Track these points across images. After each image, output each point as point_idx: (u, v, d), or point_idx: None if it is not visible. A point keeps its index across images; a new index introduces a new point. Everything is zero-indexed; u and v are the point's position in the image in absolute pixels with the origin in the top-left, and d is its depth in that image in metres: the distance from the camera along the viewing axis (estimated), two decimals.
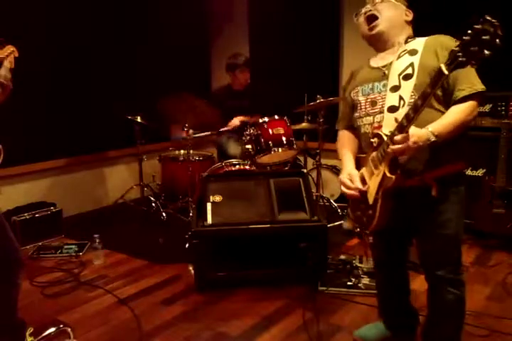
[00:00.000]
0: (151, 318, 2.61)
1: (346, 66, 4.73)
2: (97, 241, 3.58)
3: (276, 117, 3.73)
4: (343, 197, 4.59)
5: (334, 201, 4.25)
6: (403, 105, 1.76)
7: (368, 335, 2.35)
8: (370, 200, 1.83)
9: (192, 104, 3.54)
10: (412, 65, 1.76)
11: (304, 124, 3.98)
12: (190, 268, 3.11)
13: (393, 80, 1.81)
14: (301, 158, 4.29)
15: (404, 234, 2.07)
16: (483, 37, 1.40)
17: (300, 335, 2.43)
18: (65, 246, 3.58)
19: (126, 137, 4.41)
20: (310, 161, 4.29)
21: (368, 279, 2.93)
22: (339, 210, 4.05)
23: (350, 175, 1.93)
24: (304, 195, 3.07)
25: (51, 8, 4.00)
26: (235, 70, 4.16)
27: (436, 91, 1.61)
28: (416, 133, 1.63)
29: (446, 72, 1.51)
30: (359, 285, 2.89)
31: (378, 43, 1.92)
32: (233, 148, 4.11)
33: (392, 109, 1.78)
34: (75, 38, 4.19)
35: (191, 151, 3.95)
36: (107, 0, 4.41)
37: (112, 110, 4.34)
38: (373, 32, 1.88)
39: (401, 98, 1.77)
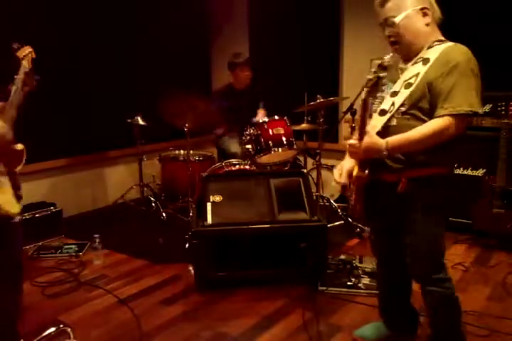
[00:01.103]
0: (151, 318, 2.61)
1: (346, 66, 4.73)
2: (97, 241, 3.59)
3: (276, 117, 3.73)
4: (343, 197, 4.60)
5: (334, 201, 4.24)
6: (391, 111, 1.85)
7: (367, 335, 2.35)
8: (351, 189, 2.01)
9: (192, 103, 3.54)
10: (417, 75, 1.81)
11: (304, 125, 3.98)
12: (190, 268, 3.11)
13: (397, 85, 1.87)
14: (301, 158, 4.29)
15: (400, 234, 2.06)
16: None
17: (300, 335, 2.43)
18: (65, 246, 3.57)
19: (126, 137, 4.41)
20: (310, 161, 4.29)
21: (368, 279, 2.93)
22: (339, 210, 4.05)
23: (342, 167, 2.05)
24: (304, 195, 3.07)
25: (52, 8, 4.00)
26: (236, 69, 4.17)
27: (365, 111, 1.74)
28: (369, 141, 1.76)
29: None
30: (359, 285, 2.89)
31: (403, 56, 1.94)
32: (233, 148, 4.11)
33: (382, 113, 1.86)
34: (75, 38, 4.19)
35: (191, 151, 3.95)
36: (106, 0, 4.41)
37: (112, 110, 4.34)
38: (396, 52, 1.91)
39: (393, 104, 1.85)
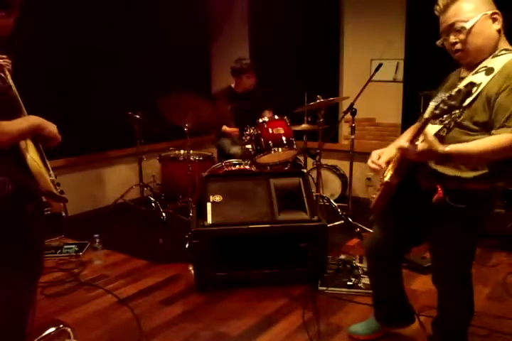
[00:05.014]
0: (151, 318, 2.61)
1: (346, 66, 4.74)
2: (97, 241, 3.59)
3: (276, 117, 3.73)
4: (343, 197, 4.60)
5: (334, 201, 4.24)
6: (443, 121, 1.75)
7: (358, 330, 2.38)
8: (379, 182, 1.93)
9: (192, 104, 3.54)
10: (478, 85, 1.68)
11: (304, 125, 3.98)
12: (190, 268, 3.11)
13: None
14: (301, 158, 4.29)
15: (413, 230, 2.05)
16: (452, 102, 1.50)
17: (300, 335, 2.43)
18: (65, 246, 3.57)
19: (126, 137, 4.41)
20: (310, 161, 4.29)
21: (368, 279, 2.93)
22: (339, 210, 4.05)
23: (382, 152, 1.96)
24: (304, 195, 3.07)
25: (51, 7, 3.99)
26: (242, 75, 4.17)
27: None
28: (432, 142, 1.61)
29: (426, 116, 1.58)
30: (359, 285, 2.89)
31: (466, 64, 1.83)
32: (233, 148, 4.11)
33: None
34: (75, 37, 4.19)
35: (191, 151, 3.95)
36: (107, 0, 4.41)
37: (112, 110, 4.33)
38: (459, 59, 1.82)
39: None
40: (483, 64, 1.74)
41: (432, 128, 1.76)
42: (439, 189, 1.77)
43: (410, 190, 1.88)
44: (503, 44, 1.77)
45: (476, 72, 1.74)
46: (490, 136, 1.66)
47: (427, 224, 1.93)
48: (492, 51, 1.74)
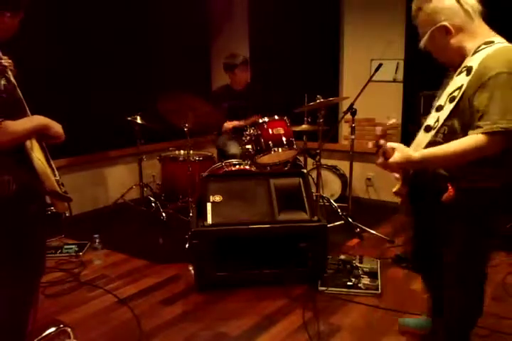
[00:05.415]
0: (151, 318, 2.61)
1: (346, 66, 4.74)
2: (97, 241, 3.59)
3: (276, 117, 3.73)
4: (343, 197, 4.60)
5: (334, 201, 4.25)
6: (435, 127, 1.74)
7: (409, 323, 2.39)
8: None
9: (192, 104, 3.54)
10: (460, 87, 1.67)
11: (304, 126, 3.98)
12: (190, 268, 3.12)
13: (442, 99, 1.76)
14: (301, 158, 4.29)
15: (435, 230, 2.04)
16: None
17: (300, 335, 2.43)
18: (65, 246, 3.57)
19: (126, 137, 4.41)
20: (310, 161, 4.29)
21: (368, 279, 2.93)
22: (339, 210, 4.05)
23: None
24: (304, 195, 3.07)
25: (51, 7, 3.99)
26: (235, 69, 4.16)
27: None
28: (399, 156, 1.64)
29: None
30: (359, 285, 2.89)
31: (449, 67, 1.85)
32: (233, 148, 4.11)
33: (427, 129, 1.75)
34: (75, 37, 4.19)
35: (191, 151, 3.95)
36: (106, 0, 4.41)
37: (112, 110, 4.34)
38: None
39: (437, 120, 1.73)
40: (464, 63, 1.72)
41: (423, 137, 1.77)
42: (450, 188, 1.75)
43: (424, 192, 1.89)
44: (484, 36, 1.72)
45: (460, 73, 1.72)
46: (464, 138, 1.63)
47: (440, 223, 1.92)
48: (464, 53, 1.72)
